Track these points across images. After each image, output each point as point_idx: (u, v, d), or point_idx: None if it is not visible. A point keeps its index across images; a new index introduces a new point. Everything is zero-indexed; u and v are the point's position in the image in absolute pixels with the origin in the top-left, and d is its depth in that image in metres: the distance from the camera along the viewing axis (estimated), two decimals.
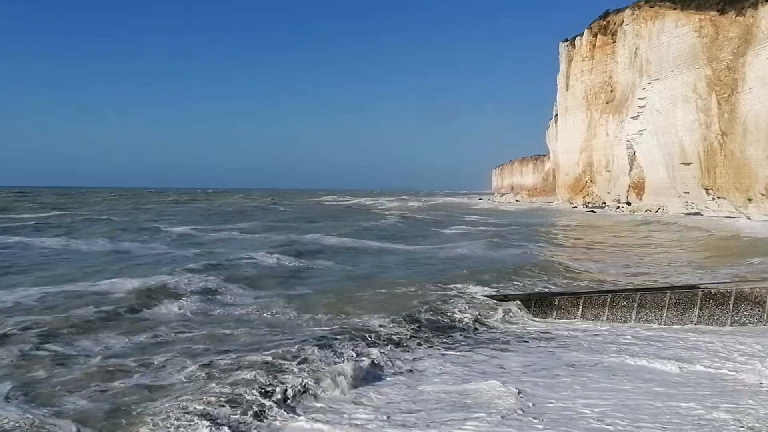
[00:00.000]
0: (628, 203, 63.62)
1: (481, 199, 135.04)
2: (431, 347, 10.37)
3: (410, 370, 8.90)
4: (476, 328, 11.97)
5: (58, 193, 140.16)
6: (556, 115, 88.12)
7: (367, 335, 10.52)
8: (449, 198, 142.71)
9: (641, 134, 58.92)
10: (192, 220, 44.80)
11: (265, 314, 12.61)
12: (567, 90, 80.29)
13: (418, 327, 11.51)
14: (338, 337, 10.20)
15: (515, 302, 13.52)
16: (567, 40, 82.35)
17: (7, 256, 22.24)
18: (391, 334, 10.78)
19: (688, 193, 51.18)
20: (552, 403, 7.55)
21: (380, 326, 11.15)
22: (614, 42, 68.63)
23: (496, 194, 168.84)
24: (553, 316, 13.17)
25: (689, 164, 49.85)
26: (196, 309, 13.08)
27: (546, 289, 15.86)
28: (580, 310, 13.14)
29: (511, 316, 12.90)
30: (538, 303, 13.52)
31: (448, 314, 12.72)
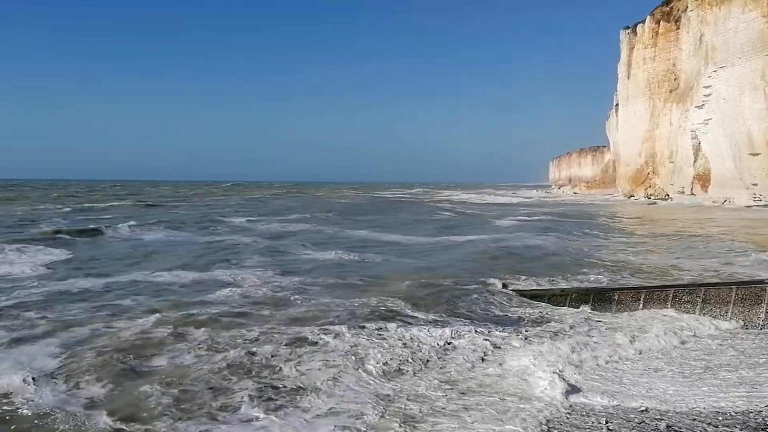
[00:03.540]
0: (693, 195, 61.72)
1: (537, 191, 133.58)
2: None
3: None
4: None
5: (152, 185, 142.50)
6: (617, 104, 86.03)
7: None
8: (518, 191, 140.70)
9: (707, 124, 56.96)
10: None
11: None
12: (628, 79, 78.24)
13: None
14: None
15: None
16: (628, 28, 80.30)
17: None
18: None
19: (756, 184, 49.28)
20: None
21: None
22: (678, 28, 66.52)
23: (553, 186, 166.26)
24: (612, 312, 12.88)
25: (757, 155, 48.00)
26: None
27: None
28: (641, 305, 12.82)
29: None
30: (597, 298, 13.27)
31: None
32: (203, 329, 10.08)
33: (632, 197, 75.72)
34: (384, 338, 9.65)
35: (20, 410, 7.00)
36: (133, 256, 20.90)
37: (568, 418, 6.85)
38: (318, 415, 6.96)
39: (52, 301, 12.75)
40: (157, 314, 11.31)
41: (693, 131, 60.12)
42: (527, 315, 12.17)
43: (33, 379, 7.84)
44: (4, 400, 7.30)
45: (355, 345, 9.24)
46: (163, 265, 18.21)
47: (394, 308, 11.80)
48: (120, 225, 30.41)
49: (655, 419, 6.72)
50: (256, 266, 17.77)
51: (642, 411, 6.98)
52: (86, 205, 56.43)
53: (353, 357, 8.73)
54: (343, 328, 10.18)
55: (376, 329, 10.16)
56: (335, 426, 6.65)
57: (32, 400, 7.26)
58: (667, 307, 12.59)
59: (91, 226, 30.19)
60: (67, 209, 48.23)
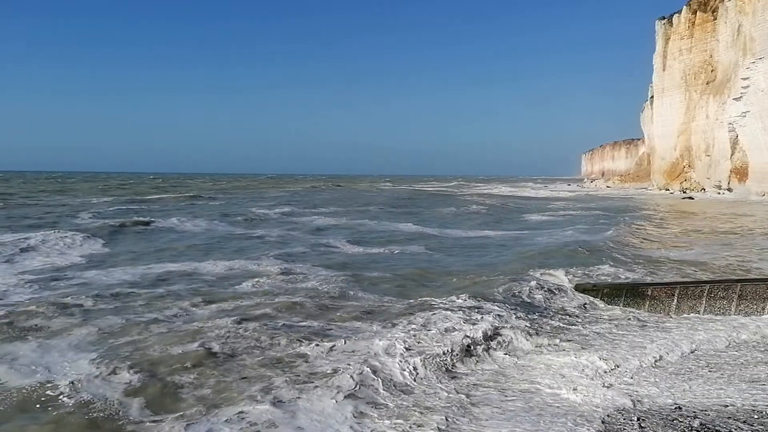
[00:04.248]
0: (729, 189, 60.54)
1: (569, 185, 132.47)
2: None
3: None
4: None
5: (189, 178, 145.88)
6: (652, 96, 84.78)
7: None
8: (551, 185, 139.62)
9: (744, 116, 55.78)
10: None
11: None
12: (664, 70, 76.96)
13: None
14: None
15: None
16: (664, 18, 79.02)
17: None
18: None
19: None
20: None
21: None
22: (715, 19, 65.22)
23: (585, 180, 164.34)
24: (645, 308, 12.72)
25: None
26: None
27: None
28: (675, 301, 12.65)
29: None
30: (630, 293, 13.11)
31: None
32: (250, 321, 10.20)
33: (667, 191, 74.54)
34: (423, 331, 9.66)
35: (62, 398, 7.19)
36: (180, 247, 21.29)
37: (600, 415, 6.80)
38: (341, 394, 7.14)
39: (100, 290, 12.99)
40: (201, 304, 11.58)
41: (730, 124, 58.95)
42: (560, 309, 12.10)
43: (74, 368, 8.06)
44: (48, 384, 7.52)
45: (396, 337, 9.25)
46: (208, 256, 18.61)
47: (432, 302, 11.78)
48: (167, 217, 31.04)
49: (688, 417, 6.65)
50: (298, 259, 17.93)
51: (675, 409, 6.91)
52: (132, 197, 57.80)
53: (390, 348, 8.78)
54: (378, 321, 10.29)
55: (415, 320, 10.23)
56: (361, 411, 6.76)
57: (72, 385, 7.45)
58: (702, 304, 12.43)
59: (139, 218, 30.82)
60: (115, 200, 49.51)
